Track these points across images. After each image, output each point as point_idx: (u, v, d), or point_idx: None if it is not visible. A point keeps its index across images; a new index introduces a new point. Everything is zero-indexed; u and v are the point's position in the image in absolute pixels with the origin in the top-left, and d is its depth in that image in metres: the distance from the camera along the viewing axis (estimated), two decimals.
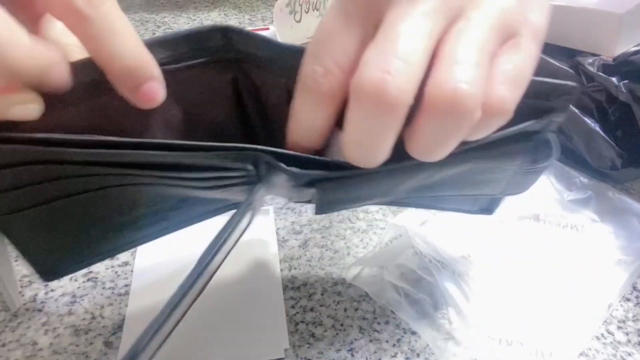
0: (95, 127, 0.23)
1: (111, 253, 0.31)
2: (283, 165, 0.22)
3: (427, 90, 0.17)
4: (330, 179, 0.23)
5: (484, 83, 0.18)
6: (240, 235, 0.26)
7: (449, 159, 0.20)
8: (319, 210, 0.25)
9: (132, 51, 0.20)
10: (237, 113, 0.27)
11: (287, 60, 0.23)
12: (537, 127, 0.23)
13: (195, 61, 0.24)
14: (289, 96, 0.23)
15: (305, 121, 0.22)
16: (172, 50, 0.23)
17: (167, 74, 0.22)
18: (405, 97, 0.17)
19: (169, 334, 0.22)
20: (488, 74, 0.18)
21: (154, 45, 0.22)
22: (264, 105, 0.26)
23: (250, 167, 0.23)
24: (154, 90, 0.21)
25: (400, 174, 0.22)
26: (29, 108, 0.20)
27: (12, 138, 0.20)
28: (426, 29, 0.18)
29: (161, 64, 0.22)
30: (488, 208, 0.33)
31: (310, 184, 0.23)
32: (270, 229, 0.42)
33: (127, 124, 0.24)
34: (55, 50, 0.19)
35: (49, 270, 0.29)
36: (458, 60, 0.17)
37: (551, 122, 0.23)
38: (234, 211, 0.24)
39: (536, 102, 0.21)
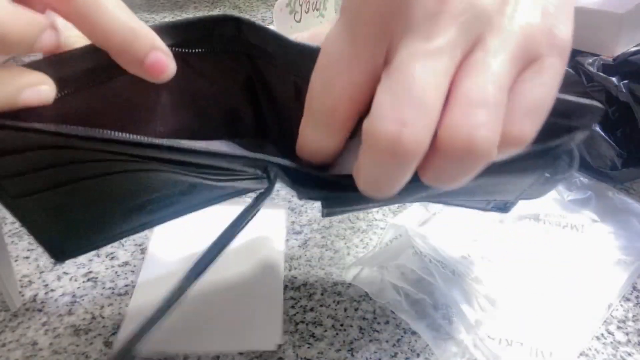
0: (104, 112, 0.22)
1: (123, 235, 0.31)
2: (289, 180, 0.22)
3: (440, 133, 0.16)
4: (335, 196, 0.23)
5: (500, 123, 0.17)
6: (243, 227, 0.26)
7: None
8: (325, 215, 0.26)
9: (124, 25, 0.20)
10: (248, 102, 0.27)
11: (295, 58, 0.23)
12: (556, 143, 0.23)
13: (206, 49, 0.24)
14: (297, 92, 0.23)
15: (313, 146, 0.21)
16: (182, 36, 0.23)
17: (177, 57, 0.22)
18: (421, 147, 0.16)
19: (163, 318, 0.23)
20: (508, 105, 0.17)
21: (163, 30, 0.22)
22: (275, 98, 0.26)
23: (259, 172, 0.24)
24: (160, 60, 0.20)
25: (409, 189, 0.22)
26: (41, 90, 0.19)
27: (25, 127, 0.20)
28: (442, 69, 0.17)
29: (171, 47, 0.22)
30: (504, 207, 0.32)
31: (316, 198, 0.23)
32: (281, 224, 0.42)
33: (137, 106, 0.23)
34: (41, 16, 0.19)
35: (60, 251, 0.29)
36: (474, 101, 0.16)
37: (572, 139, 0.23)
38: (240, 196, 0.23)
39: (557, 120, 0.21)
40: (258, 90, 0.26)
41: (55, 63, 0.21)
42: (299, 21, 0.69)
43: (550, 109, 0.18)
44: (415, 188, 0.20)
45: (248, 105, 0.27)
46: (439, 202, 0.33)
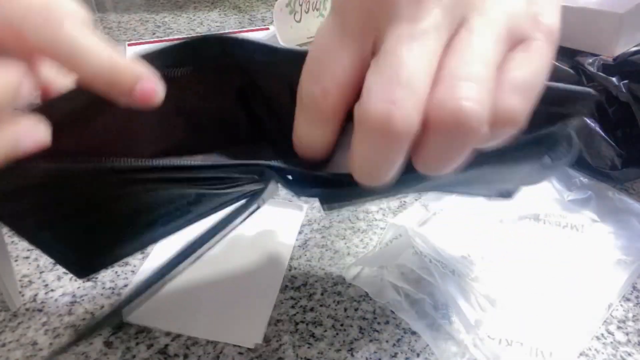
0: (101, 142, 0.23)
1: (141, 248, 0.34)
2: (284, 181, 0.23)
3: (429, 109, 0.17)
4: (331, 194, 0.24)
5: (489, 97, 0.17)
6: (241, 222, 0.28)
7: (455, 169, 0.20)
8: (325, 209, 0.27)
9: (107, 62, 0.20)
10: (242, 108, 0.27)
11: (286, 62, 0.23)
12: (551, 130, 0.23)
13: (193, 67, 0.24)
14: (292, 93, 0.23)
15: (307, 138, 0.22)
16: (169, 59, 0.23)
17: (166, 79, 0.22)
18: (411, 126, 0.17)
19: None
20: (496, 83, 0.17)
21: (149, 57, 0.22)
22: (268, 100, 0.27)
23: (256, 177, 0.25)
24: (148, 88, 0.21)
25: (405, 181, 0.23)
26: (38, 136, 0.20)
27: (30, 169, 0.21)
28: (428, 50, 0.17)
29: (160, 72, 0.22)
30: (507, 194, 0.33)
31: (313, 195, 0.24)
32: (295, 225, 0.42)
33: (131, 131, 0.24)
34: (15, 70, 0.19)
35: (81, 271, 0.31)
36: (460, 77, 0.17)
37: (567, 126, 0.23)
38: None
39: (550, 108, 0.21)
40: (250, 95, 0.27)
41: (49, 107, 0.21)
42: (299, 21, 0.69)
43: (542, 96, 0.19)
44: (411, 179, 0.21)
45: (242, 111, 0.28)
46: (440, 191, 0.33)
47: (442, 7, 0.17)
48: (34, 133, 0.20)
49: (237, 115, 0.28)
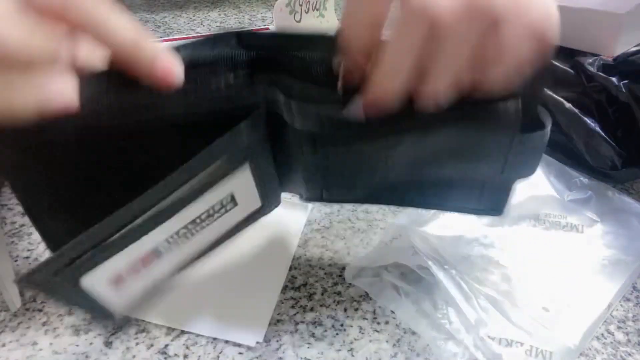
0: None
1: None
2: (284, 97, 0.25)
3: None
4: (330, 132, 0.25)
5: None
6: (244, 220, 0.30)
7: (431, 121, 0.24)
8: (326, 200, 0.29)
9: (131, 38, 0.23)
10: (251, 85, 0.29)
11: (297, 45, 0.25)
12: (498, 107, 0.25)
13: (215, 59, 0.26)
14: (329, 69, 0.25)
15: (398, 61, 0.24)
16: (197, 52, 0.25)
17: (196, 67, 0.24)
18: (451, 13, 0.21)
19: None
20: None
21: (176, 49, 0.25)
22: (280, 74, 0.28)
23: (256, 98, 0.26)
24: (167, 66, 0.24)
25: (392, 138, 0.25)
26: (67, 90, 0.22)
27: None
28: None
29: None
30: (496, 207, 0.31)
31: (312, 144, 0.26)
32: (299, 227, 0.42)
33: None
34: (58, 29, 0.22)
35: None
36: None
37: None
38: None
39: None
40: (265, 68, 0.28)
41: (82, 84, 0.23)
42: (299, 21, 0.69)
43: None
44: (395, 137, 0.24)
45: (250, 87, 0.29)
46: (434, 204, 0.33)
47: None
48: (64, 89, 0.22)
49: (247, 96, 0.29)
